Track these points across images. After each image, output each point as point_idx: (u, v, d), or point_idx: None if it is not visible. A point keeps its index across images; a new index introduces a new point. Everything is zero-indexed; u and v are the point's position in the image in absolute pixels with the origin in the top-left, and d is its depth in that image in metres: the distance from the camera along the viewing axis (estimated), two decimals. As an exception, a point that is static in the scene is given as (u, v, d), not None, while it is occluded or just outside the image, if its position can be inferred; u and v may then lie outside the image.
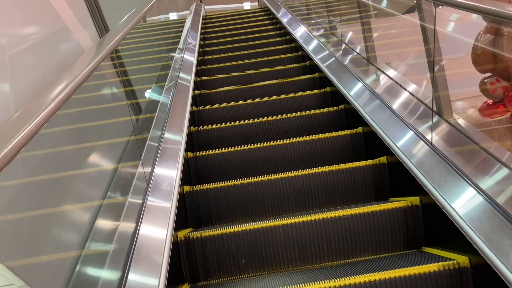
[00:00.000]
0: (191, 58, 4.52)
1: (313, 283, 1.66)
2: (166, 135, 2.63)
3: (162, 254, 1.66)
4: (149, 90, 3.06)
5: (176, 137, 2.68)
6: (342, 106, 3.22)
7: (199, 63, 4.86)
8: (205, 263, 2.06)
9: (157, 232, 1.78)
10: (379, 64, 3.11)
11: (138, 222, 1.77)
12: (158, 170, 2.23)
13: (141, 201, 1.92)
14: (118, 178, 2.00)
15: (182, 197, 2.37)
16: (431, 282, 1.65)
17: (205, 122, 3.57)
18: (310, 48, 4.44)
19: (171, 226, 1.84)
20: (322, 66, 3.83)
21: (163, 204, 1.97)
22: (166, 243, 1.72)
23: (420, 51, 2.34)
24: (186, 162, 2.74)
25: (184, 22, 6.02)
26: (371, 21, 3.45)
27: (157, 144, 2.46)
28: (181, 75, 3.82)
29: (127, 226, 1.73)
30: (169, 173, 2.26)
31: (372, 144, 2.67)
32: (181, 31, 5.43)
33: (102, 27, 3.89)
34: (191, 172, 2.82)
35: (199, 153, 2.84)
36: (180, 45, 4.71)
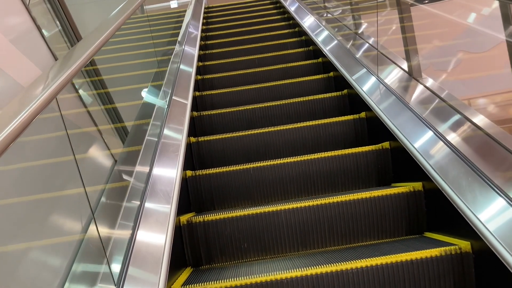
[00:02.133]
0: (193, 48, 4.49)
1: (314, 267, 1.67)
2: (168, 120, 2.62)
3: (165, 237, 1.67)
4: (151, 75, 3.04)
5: (178, 122, 2.68)
6: (345, 91, 3.20)
7: (201, 47, 4.83)
8: (208, 247, 2.07)
9: (160, 216, 1.78)
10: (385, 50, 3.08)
11: (141, 205, 1.77)
12: (160, 155, 2.23)
13: (143, 186, 1.92)
14: (120, 165, 2.00)
15: (184, 182, 2.38)
16: (432, 266, 1.65)
17: (207, 107, 3.56)
18: (316, 36, 4.40)
19: (173, 210, 1.85)
20: (326, 51, 3.80)
21: (166, 188, 1.97)
22: (168, 226, 1.73)
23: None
24: (189, 147, 2.74)
25: (185, 11, 5.94)
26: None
27: (159, 129, 2.46)
28: (183, 60, 3.80)
29: (130, 208, 1.73)
30: (172, 157, 2.26)
31: (375, 129, 2.66)
32: (183, 16, 5.39)
33: (71, 35, 2.75)
34: (194, 157, 2.82)
35: (201, 138, 2.84)
36: (182, 31, 4.68)
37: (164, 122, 2.55)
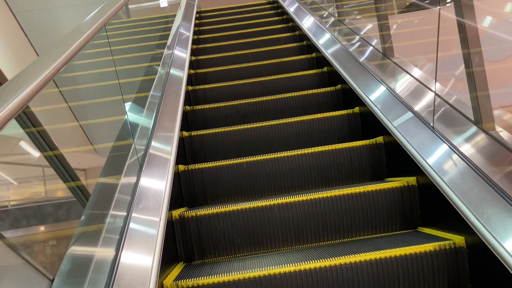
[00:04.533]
0: (187, 36, 4.45)
1: (308, 262, 1.65)
2: (161, 113, 2.59)
3: (156, 232, 1.64)
4: (143, 67, 3.01)
5: (171, 116, 2.65)
6: (339, 86, 3.18)
7: (194, 42, 4.79)
8: (200, 242, 2.05)
9: (151, 211, 1.76)
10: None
11: (132, 199, 1.75)
12: (153, 149, 2.20)
13: (134, 180, 1.89)
14: (110, 160, 1.97)
15: (177, 176, 2.35)
16: (426, 261, 1.64)
17: (200, 101, 3.53)
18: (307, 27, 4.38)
19: (165, 202, 1.82)
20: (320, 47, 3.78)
21: (158, 181, 1.95)
22: (160, 221, 1.70)
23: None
24: (181, 141, 2.72)
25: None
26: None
27: (151, 123, 2.43)
28: (175, 54, 3.77)
29: (120, 201, 1.71)
30: (164, 151, 2.23)
31: (369, 124, 2.64)
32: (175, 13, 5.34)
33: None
34: (186, 152, 2.79)
35: (194, 133, 2.81)
36: (175, 25, 4.63)
37: (157, 117, 2.52)
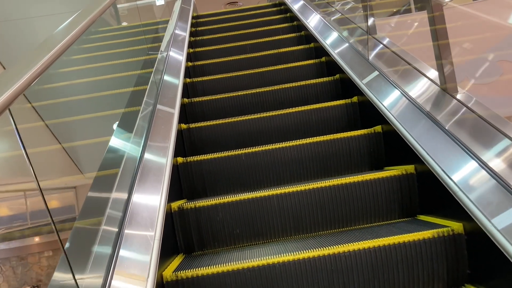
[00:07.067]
0: (183, 32, 4.44)
1: (307, 251, 1.66)
2: (159, 106, 2.59)
3: (155, 223, 1.65)
4: (139, 60, 3.00)
5: (169, 109, 2.64)
6: (337, 75, 3.17)
7: (192, 34, 4.78)
8: (200, 233, 2.05)
9: (151, 200, 1.76)
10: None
11: (130, 192, 1.75)
12: (151, 141, 2.20)
13: (132, 173, 1.89)
14: (108, 156, 1.96)
15: (175, 169, 2.35)
16: (425, 249, 1.65)
17: (198, 94, 3.53)
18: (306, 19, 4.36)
19: (164, 196, 1.83)
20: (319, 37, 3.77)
21: (157, 174, 1.95)
22: (159, 212, 1.71)
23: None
24: (180, 134, 2.71)
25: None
26: None
27: (149, 116, 2.43)
28: (172, 48, 3.76)
29: (120, 195, 1.71)
30: (162, 144, 2.23)
31: (367, 113, 2.64)
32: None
33: None
34: (185, 144, 2.79)
35: (192, 125, 2.81)
36: (173, 23, 4.61)
37: (155, 105, 2.52)
